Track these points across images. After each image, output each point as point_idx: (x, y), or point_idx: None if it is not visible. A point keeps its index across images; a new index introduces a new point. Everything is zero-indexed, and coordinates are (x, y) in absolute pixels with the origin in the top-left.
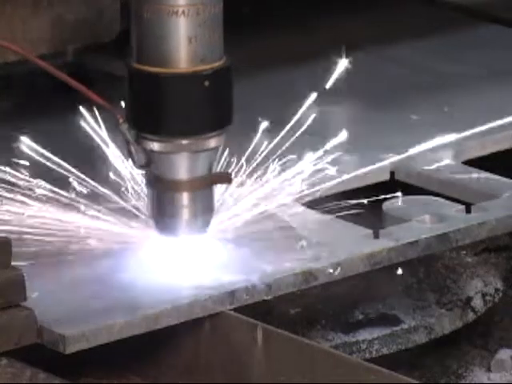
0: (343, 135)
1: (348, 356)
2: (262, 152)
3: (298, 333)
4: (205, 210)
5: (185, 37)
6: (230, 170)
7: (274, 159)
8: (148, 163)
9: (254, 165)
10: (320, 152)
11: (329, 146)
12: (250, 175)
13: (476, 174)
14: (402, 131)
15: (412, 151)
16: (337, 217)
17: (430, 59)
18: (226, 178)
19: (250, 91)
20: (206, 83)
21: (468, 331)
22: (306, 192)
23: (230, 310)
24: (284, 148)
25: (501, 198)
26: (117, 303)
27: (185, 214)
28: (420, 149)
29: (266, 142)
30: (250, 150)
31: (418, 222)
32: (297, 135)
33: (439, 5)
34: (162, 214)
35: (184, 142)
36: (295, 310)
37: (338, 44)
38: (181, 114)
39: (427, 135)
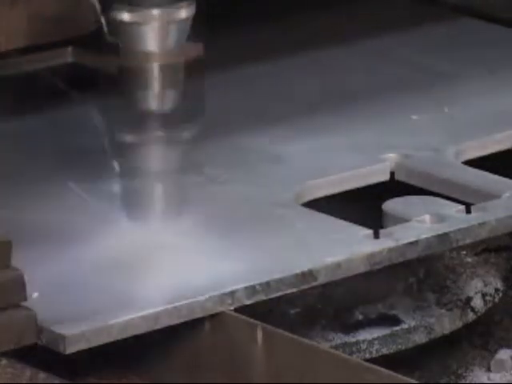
0: (343, 135)
1: (348, 356)
2: (260, 150)
3: (297, 333)
4: (175, 82)
5: None
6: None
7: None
8: (119, 34)
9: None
10: (320, 152)
11: (328, 145)
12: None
13: (476, 174)
14: (402, 131)
15: (412, 151)
16: (337, 217)
17: (429, 59)
18: (197, 49)
19: (244, 88)
20: None
21: (468, 331)
22: (306, 192)
23: (230, 310)
24: (282, 148)
25: (501, 198)
26: (117, 303)
27: (156, 86)
28: (420, 149)
29: (264, 140)
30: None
31: (418, 222)
32: (294, 134)
33: (439, 4)
34: (133, 86)
35: (154, 12)
36: (295, 310)
37: (337, 44)
38: None
39: (427, 135)
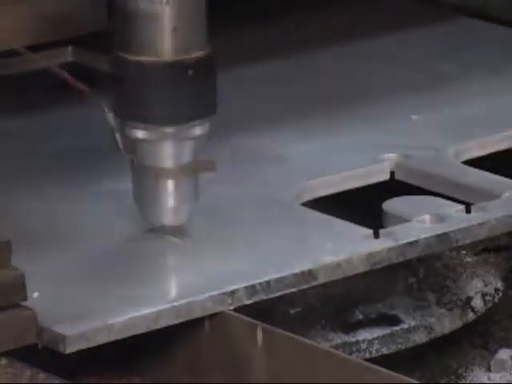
0: (343, 135)
1: (348, 356)
2: (260, 150)
3: (297, 333)
4: (189, 197)
5: (169, 26)
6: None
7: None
8: (133, 151)
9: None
10: (320, 152)
11: (328, 145)
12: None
13: (476, 174)
14: (402, 131)
15: (412, 151)
16: (337, 217)
17: (429, 59)
18: (210, 166)
19: (242, 88)
20: (190, 72)
21: (468, 331)
22: (306, 192)
23: (230, 310)
24: (282, 148)
25: (501, 198)
26: (117, 303)
27: (169, 201)
28: (420, 149)
29: (264, 140)
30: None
31: (418, 222)
32: (294, 134)
33: (439, 4)
34: (147, 201)
35: (168, 130)
36: (295, 310)
37: (337, 44)
38: (165, 103)
39: (427, 135)
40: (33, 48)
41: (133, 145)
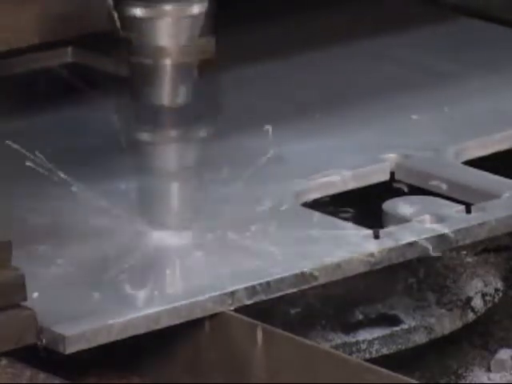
0: (343, 135)
1: (348, 356)
2: (261, 150)
3: (297, 333)
4: (188, 78)
5: None
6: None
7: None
8: (131, 30)
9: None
10: (320, 152)
11: (328, 145)
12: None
13: (476, 174)
14: (402, 131)
15: (412, 151)
16: (337, 217)
17: (429, 59)
18: (209, 46)
19: (242, 88)
20: None
21: (468, 331)
22: (306, 192)
23: (230, 310)
24: (282, 148)
25: (501, 198)
26: (117, 303)
27: (168, 82)
28: (420, 149)
29: (264, 140)
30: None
31: (418, 222)
32: (294, 134)
33: (439, 4)
34: (145, 81)
35: (167, 7)
36: (295, 310)
37: (337, 44)
38: None
39: (427, 135)
40: (33, 48)
41: (131, 23)
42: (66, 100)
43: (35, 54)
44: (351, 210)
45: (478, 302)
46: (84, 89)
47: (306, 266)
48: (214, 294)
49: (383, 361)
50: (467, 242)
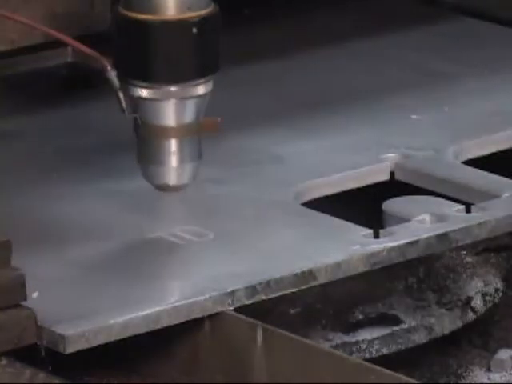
0: (343, 135)
1: (348, 356)
2: (261, 150)
3: (298, 333)
4: (192, 157)
5: None
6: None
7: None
8: (136, 110)
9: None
10: (320, 152)
11: (328, 145)
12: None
13: (476, 174)
14: (402, 131)
15: (412, 151)
16: (337, 217)
17: (429, 59)
18: (214, 125)
19: (244, 88)
20: (194, 30)
21: (468, 331)
22: (306, 192)
23: (230, 310)
24: (282, 148)
25: (501, 198)
26: (117, 303)
27: (172, 160)
28: (420, 149)
29: (264, 140)
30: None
31: (418, 222)
32: (294, 135)
33: (439, 4)
34: (149, 160)
35: (172, 88)
36: (295, 310)
37: (336, 43)
38: (168, 61)
39: (427, 135)
40: (33, 48)
41: (136, 104)
42: (66, 100)
43: (35, 54)
44: (351, 210)
45: (477, 302)
46: (84, 89)
47: (306, 266)
48: (213, 293)
49: (383, 361)
50: (467, 241)
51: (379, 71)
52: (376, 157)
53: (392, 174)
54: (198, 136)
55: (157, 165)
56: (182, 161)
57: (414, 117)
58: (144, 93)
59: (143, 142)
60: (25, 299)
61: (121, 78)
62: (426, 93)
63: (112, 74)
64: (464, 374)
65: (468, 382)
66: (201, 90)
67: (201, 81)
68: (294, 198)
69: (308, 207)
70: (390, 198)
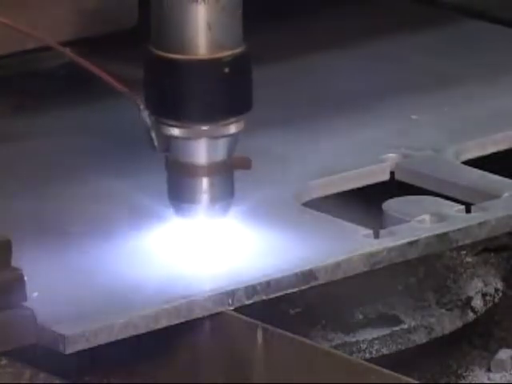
0: (343, 135)
1: (348, 356)
2: (261, 150)
3: (298, 333)
4: (224, 195)
5: (204, 23)
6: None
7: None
8: (168, 148)
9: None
10: (320, 152)
11: (329, 145)
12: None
13: (476, 174)
14: (402, 131)
15: (412, 151)
16: (337, 217)
17: (429, 59)
18: (246, 163)
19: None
20: (226, 69)
21: (468, 331)
22: (306, 192)
23: (230, 310)
24: (282, 148)
25: (501, 198)
26: (117, 303)
27: (204, 199)
28: (420, 149)
29: (264, 140)
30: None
31: (418, 222)
32: (295, 135)
33: (439, 4)
34: (181, 199)
35: (204, 127)
36: (295, 310)
37: (338, 44)
38: (200, 101)
39: (427, 135)
40: (33, 48)
41: (168, 142)
42: (65, 100)
43: (35, 54)
44: (351, 210)
45: (477, 302)
46: (84, 89)
47: (305, 266)
48: (213, 293)
49: (383, 361)
50: (467, 241)
51: (379, 71)
52: (376, 157)
53: (392, 174)
54: (229, 174)
55: (188, 203)
56: (213, 199)
57: (413, 117)
58: (176, 132)
59: (174, 180)
60: (25, 299)
61: (152, 116)
62: (426, 93)
63: (145, 114)
64: (464, 374)
65: (468, 382)
66: (232, 129)
67: (232, 120)
68: (294, 198)
69: (308, 207)
70: (390, 198)
